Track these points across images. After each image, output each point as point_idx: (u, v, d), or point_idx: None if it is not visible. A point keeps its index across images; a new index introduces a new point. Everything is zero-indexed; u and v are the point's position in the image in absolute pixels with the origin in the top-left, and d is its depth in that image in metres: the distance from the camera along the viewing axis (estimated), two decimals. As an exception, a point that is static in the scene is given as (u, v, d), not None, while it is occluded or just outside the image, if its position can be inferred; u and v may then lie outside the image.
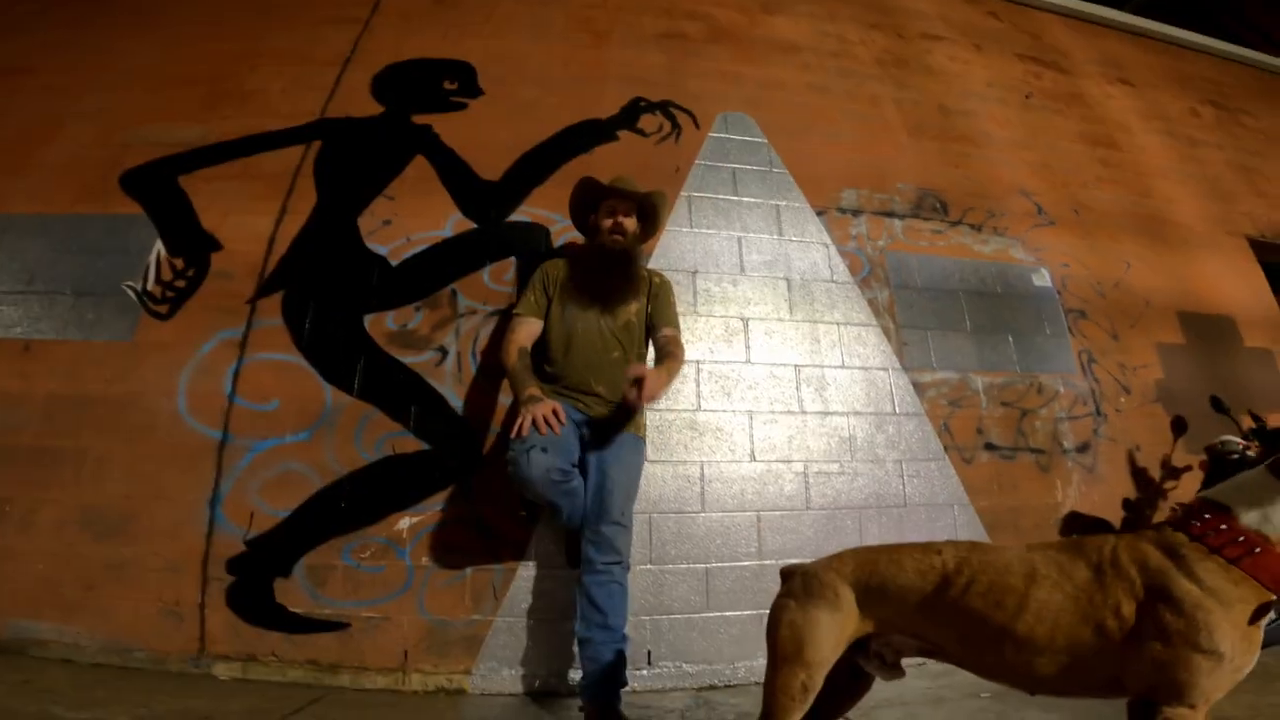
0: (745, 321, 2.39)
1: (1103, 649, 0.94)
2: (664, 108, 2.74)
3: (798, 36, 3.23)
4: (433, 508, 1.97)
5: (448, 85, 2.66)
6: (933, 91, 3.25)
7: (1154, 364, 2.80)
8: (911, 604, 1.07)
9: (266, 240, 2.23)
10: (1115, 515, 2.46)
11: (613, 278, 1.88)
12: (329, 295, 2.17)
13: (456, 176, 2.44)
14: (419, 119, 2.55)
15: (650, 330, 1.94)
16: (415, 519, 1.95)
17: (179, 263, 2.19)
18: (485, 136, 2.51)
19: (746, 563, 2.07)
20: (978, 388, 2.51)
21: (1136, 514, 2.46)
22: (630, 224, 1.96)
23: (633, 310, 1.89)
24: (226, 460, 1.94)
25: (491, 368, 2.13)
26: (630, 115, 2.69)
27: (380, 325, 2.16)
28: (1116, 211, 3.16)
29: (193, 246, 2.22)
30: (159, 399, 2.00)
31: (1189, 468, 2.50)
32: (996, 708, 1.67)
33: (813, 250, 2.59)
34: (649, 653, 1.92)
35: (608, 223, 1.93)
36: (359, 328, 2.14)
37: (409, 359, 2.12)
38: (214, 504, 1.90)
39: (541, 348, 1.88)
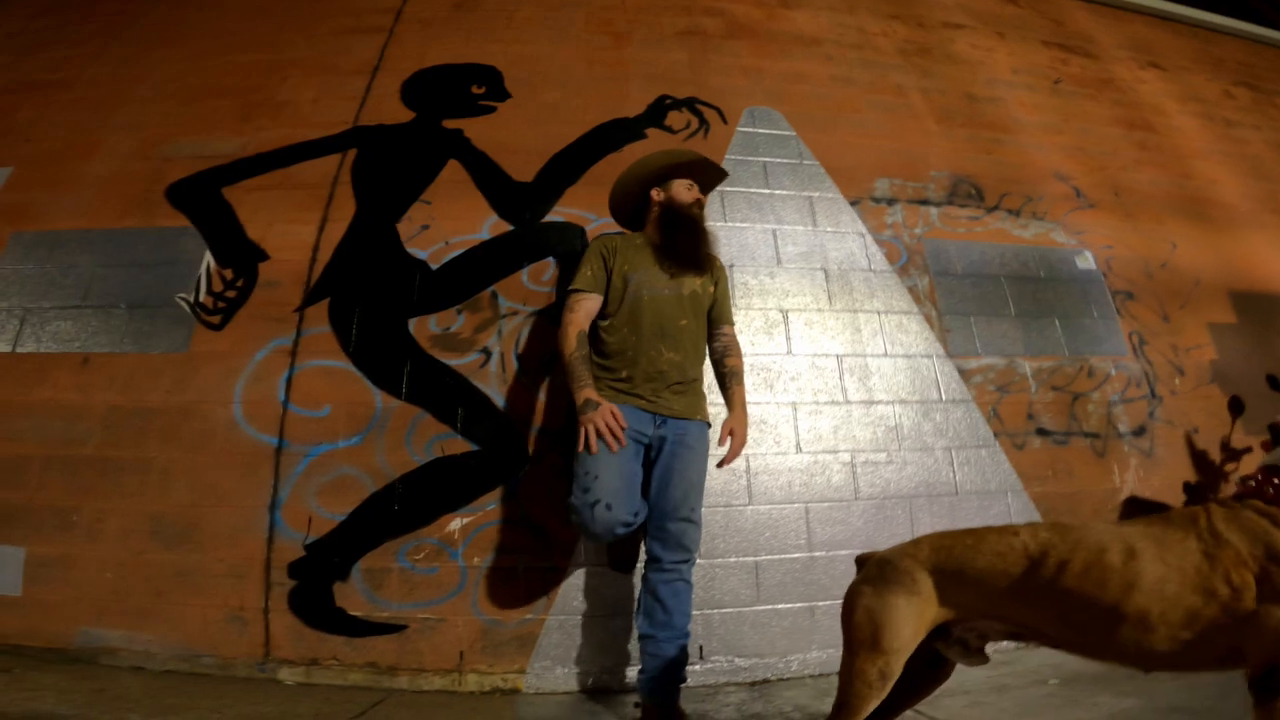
0: (785, 313, 2.37)
1: (1217, 619, 0.92)
2: (690, 104, 2.74)
3: (817, 29, 3.21)
4: (483, 508, 1.98)
5: (475, 90, 2.68)
6: (958, 80, 3.21)
7: (1207, 344, 2.73)
8: (996, 587, 1.06)
9: (310, 249, 2.27)
10: (1176, 499, 2.40)
11: (694, 246, 1.86)
12: (373, 301, 2.20)
13: (490, 179, 2.45)
14: (450, 124, 2.57)
15: (712, 316, 1.91)
16: (466, 520, 1.96)
17: (228, 273, 2.23)
18: (515, 139, 2.53)
19: (796, 555, 2.05)
20: (1025, 372, 2.46)
21: (1199, 498, 2.39)
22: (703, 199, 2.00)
23: (699, 283, 1.86)
24: (284, 466, 1.96)
25: (534, 368, 2.14)
26: (657, 113, 2.70)
27: (424, 329, 2.18)
28: (1158, 193, 3.10)
29: (241, 257, 2.26)
30: (217, 408, 2.03)
31: (1249, 449, 2.44)
32: (1065, 693, 1.64)
33: (848, 240, 2.57)
34: (701, 648, 1.91)
35: (690, 196, 1.93)
36: (404, 332, 2.16)
37: (453, 361, 2.13)
38: (274, 509, 1.92)
39: (599, 320, 1.82)
